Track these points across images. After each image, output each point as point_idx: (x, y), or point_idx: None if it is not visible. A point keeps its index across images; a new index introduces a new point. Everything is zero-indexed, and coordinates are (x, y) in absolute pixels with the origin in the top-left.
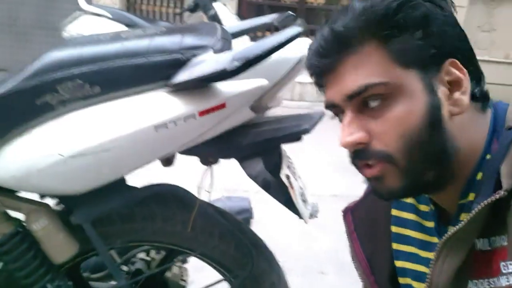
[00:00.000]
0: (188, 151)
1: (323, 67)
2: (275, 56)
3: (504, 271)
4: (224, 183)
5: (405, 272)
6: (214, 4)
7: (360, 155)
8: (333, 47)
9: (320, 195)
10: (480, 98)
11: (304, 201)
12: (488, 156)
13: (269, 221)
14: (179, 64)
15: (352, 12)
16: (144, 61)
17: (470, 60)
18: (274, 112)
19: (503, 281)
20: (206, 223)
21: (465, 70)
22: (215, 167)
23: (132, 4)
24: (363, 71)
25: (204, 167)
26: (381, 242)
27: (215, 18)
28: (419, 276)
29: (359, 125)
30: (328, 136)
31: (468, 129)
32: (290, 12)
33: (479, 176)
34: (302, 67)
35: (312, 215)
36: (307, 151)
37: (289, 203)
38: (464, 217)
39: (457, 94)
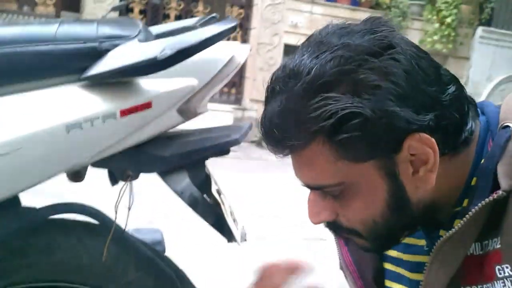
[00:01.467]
0: (102, 163)
1: (276, 154)
2: (204, 55)
3: (499, 275)
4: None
5: (390, 274)
6: None
7: (330, 227)
8: (281, 145)
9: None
10: (465, 143)
11: (235, 220)
12: (482, 161)
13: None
14: (96, 54)
15: (289, 113)
16: (52, 48)
17: (445, 113)
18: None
19: (499, 286)
20: (122, 251)
21: (433, 141)
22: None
23: None
24: (316, 171)
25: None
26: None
27: None
28: (403, 280)
29: (324, 204)
30: None
31: (445, 177)
32: (214, 14)
33: (473, 181)
34: (234, 68)
35: (242, 238)
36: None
37: (219, 223)
38: (458, 223)
39: (422, 171)
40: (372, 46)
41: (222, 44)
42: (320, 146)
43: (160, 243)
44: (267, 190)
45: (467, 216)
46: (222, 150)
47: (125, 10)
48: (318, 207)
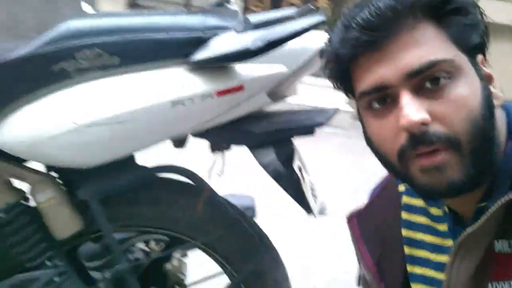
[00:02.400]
0: (201, 135)
1: (373, 41)
2: (295, 44)
3: None
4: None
5: (416, 277)
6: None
7: (421, 140)
8: (388, 21)
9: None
10: None
11: (314, 196)
12: None
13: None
14: (201, 42)
15: None
16: (166, 37)
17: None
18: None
19: None
20: (213, 211)
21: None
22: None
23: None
24: (426, 47)
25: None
26: (391, 246)
27: None
28: (429, 281)
29: (421, 103)
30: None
31: (498, 128)
32: (311, 5)
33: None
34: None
35: (321, 212)
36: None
37: (299, 196)
38: (483, 218)
39: (492, 88)
40: None
41: (313, 34)
42: (431, 24)
43: (252, 208)
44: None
45: (487, 213)
46: (306, 131)
47: None
48: (416, 105)
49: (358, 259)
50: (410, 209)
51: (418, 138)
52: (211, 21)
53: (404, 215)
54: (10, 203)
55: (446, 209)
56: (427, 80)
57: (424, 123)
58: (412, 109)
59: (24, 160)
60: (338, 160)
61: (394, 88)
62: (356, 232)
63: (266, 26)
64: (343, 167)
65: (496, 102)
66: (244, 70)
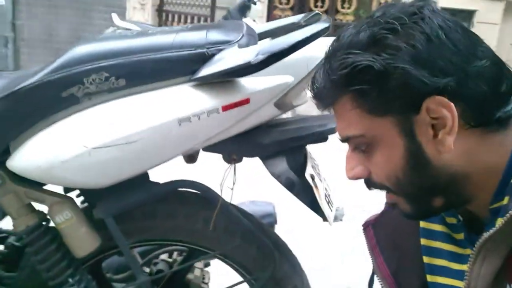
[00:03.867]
0: (211, 148)
1: (323, 106)
2: (301, 53)
3: None
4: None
5: (437, 286)
6: (244, 20)
7: (368, 184)
8: (324, 93)
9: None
10: (502, 123)
11: (329, 202)
12: None
13: (294, 229)
14: (204, 58)
15: (325, 73)
16: (169, 55)
17: (468, 82)
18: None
19: None
20: (228, 222)
21: (451, 104)
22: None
23: (164, 22)
24: (343, 122)
25: (227, 165)
26: (409, 256)
27: None
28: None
29: (359, 159)
30: None
31: (478, 153)
32: (317, 11)
33: None
34: None
35: (337, 218)
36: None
37: (313, 205)
38: (500, 221)
39: (441, 134)
40: (400, 13)
41: (319, 42)
42: (345, 99)
43: (272, 215)
44: None
45: (507, 215)
46: (317, 138)
47: None
48: (352, 163)
49: (373, 269)
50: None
51: (367, 183)
52: (214, 36)
53: (422, 224)
54: (31, 225)
55: (460, 218)
56: (356, 145)
57: (358, 178)
58: (347, 166)
59: (43, 184)
60: None
61: None
62: (372, 241)
63: (272, 35)
64: None
65: (442, 149)
66: (250, 83)
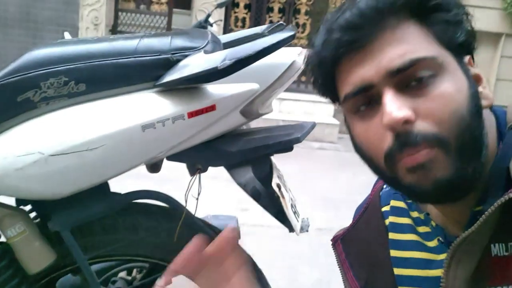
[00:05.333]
0: (175, 157)
1: (354, 41)
2: (266, 60)
3: None
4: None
5: None
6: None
7: (407, 141)
8: (370, 20)
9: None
10: None
11: (295, 213)
12: None
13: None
14: (169, 64)
15: None
16: (132, 61)
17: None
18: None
19: None
20: (192, 234)
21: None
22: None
23: None
24: (408, 45)
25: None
26: (379, 269)
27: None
28: None
29: (404, 101)
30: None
31: (486, 129)
32: (281, 22)
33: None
34: (294, 72)
35: (303, 229)
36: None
37: (280, 215)
38: (478, 222)
39: (480, 88)
40: None
41: (284, 50)
42: (413, 22)
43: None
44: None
45: (483, 216)
46: (284, 147)
47: (231, 5)
48: (398, 102)
49: (344, 283)
50: (397, 228)
51: (404, 138)
52: (179, 42)
53: (391, 236)
54: None
55: (433, 224)
56: (410, 78)
57: (407, 121)
58: (394, 107)
59: None
60: (326, 174)
61: (377, 87)
62: (342, 256)
63: (236, 45)
64: (331, 181)
65: (484, 103)
66: (215, 89)
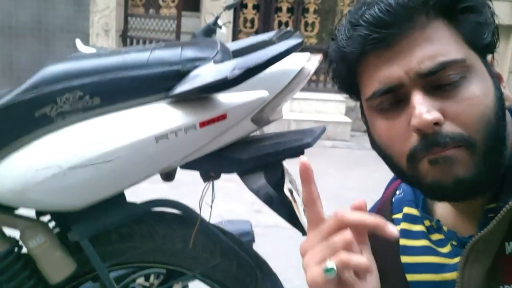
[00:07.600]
0: (189, 165)
1: (383, 39)
2: (275, 68)
3: None
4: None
5: None
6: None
7: (434, 141)
8: (400, 17)
9: None
10: None
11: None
12: None
13: (271, 250)
14: (180, 75)
15: None
16: (144, 73)
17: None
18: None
19: None
20: (207, 240)
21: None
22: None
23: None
24: (438, 47)
25: (205, 182)
26: (390, 276)
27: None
28: None
29: (433, 103)
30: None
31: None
32: (290, 28)
33: None
34: (303, 79)
35: None
36: None
37: (292, 219)
38: (494, 220)
39: (502, 89)
40: None
41: (293, 56)
42: (443, 22)
43: (249, 233)
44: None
45: (498, 215)
46: (294, 153)
47: (239, 7)
48: (427, 105)
49: None
50: (409, 235)
51: (431, 139)
52: (189, 53)
53: (402, 242)
54: (2, 252)
55: (445, 229)
56: (440, 80)
57: (437, 123)
58: (424, 109)
59: (15, 208)
60: (339, 173)
61: (405, 87)
62: None
63: (245, 53)
64: (344, 179)
65: (506, 104)
66: (226, 98)
